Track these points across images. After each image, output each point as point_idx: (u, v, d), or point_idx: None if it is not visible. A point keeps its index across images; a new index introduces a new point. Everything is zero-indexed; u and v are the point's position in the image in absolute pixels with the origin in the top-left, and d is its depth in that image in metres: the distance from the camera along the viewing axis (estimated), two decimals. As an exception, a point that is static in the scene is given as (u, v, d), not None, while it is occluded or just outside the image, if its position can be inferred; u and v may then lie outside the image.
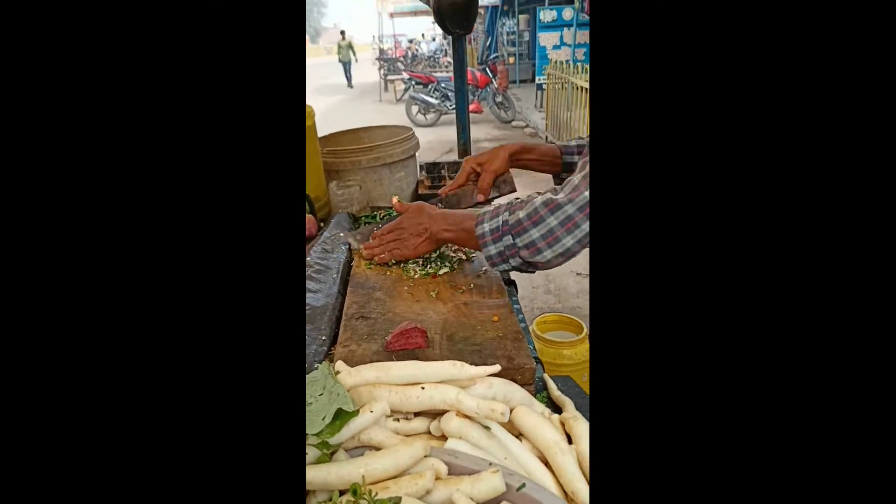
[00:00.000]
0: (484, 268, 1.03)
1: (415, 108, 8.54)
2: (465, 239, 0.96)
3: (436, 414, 0.62)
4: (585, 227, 0.78)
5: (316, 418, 0.50)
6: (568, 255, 0.82)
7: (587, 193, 0.76)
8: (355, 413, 0.53)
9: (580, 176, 0.78)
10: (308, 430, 0.49)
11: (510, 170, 1.19)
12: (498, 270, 0.93)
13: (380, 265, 1.05)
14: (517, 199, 0.90)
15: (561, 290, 3.17)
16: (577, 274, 3.26)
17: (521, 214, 0.83)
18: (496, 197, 1.18)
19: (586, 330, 2.03)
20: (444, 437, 0.59)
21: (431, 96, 8.47)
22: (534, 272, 0.90)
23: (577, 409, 0.73)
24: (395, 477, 0.50)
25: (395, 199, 1.14)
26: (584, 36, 8.77)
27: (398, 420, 0.60)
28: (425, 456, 0.52)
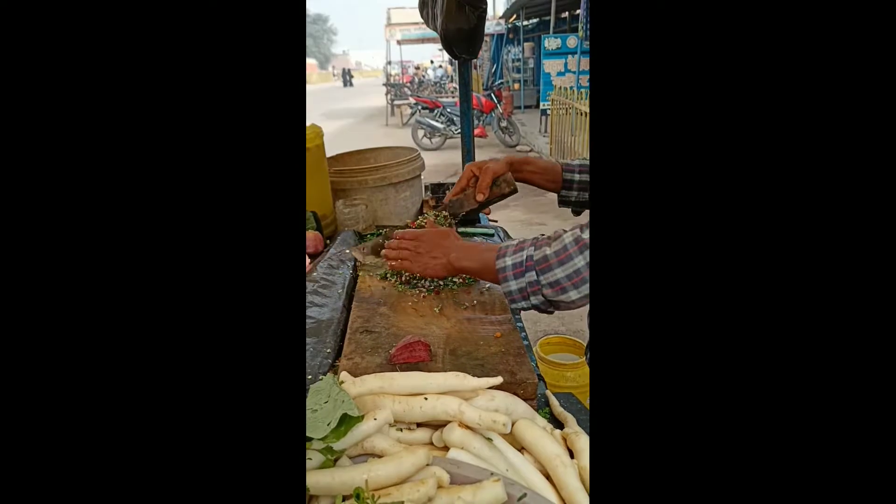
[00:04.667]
0: (488, 285, 1.04)
1: (420, 132, 8.66)
2: (483, 271, 0.92)
3: (438, 425, 0.62)
4: None
5: (321, 424, 0.51)
6: None
7: None
8: (360, 419, 0.54)
9: None
10: (313, 435, 0.50)
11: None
12: (517, 308, 0.88)
13: (385, 276, 1.05)
14: (542, 234, 0.87)
15: (566, 312, 3.16)
16: (581, 297, 3.24)
17: (549, 251, 0.79)
18: (496, 197, 1.17)
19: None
20: (446, 449, 0.60)
21: (437, 121, 8.60)
22: (552, 313, 0.86)
23: (579, 425, 0.73)
24: (397, 484, 0.50)
25: (430, 220, 1.13)
26: (587, 63, 8.92)
27: (401, 430, 0.61)
28: (428, 464, 0.53)
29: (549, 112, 7.51)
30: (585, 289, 0.77)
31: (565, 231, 0.81)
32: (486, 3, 1.70)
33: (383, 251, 1.05)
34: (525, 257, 0.82)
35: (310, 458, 0.51)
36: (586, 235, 0.77)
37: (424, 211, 1.62)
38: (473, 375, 0.67)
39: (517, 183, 1.17)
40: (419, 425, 0.63)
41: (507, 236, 1.49)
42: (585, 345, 1.96)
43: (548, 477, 0.60)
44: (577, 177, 1.19)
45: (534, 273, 0.81)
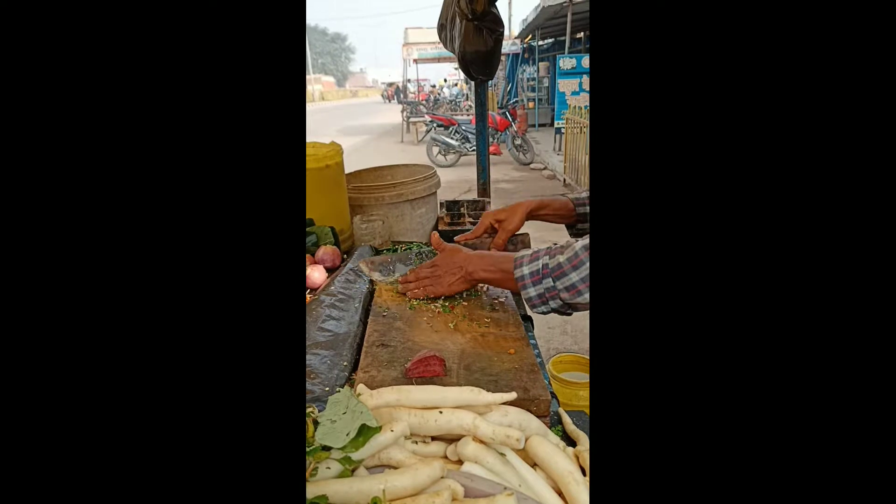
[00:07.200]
0: (500, 298, 1.06)
1: (435, 149, 8.75)
2: (502, 280, 1.00)
3: (452, 439, 0.63)
4: None
5: (340, 434, 0.52)
6: None
7: None
8: (377, 430, 0.55)
9: None
10: (333, 445, 0.52)
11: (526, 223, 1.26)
12: (537, 312, 0.97)
13: (412, 300, 1.08)
14: (555, 244, 0.95)
15: (577, 331, 3.15)
16: (594, 315, 3.23)
17: (562, 258, 0.88)
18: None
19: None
20: (460, 462, 0.61)
21: (452, 138, 8.70)
22: (571, 314, 0.94)
23: (592, 442, 0.74)
24: (413, 495, 0.51)
25: (435, 235, 1.17)
26: (602, 83, 8.95)
27: (416, 443, 0.62)
28: (442, 477, 0.54)
29: (563, 131, 7.56)
30: None
31: (576, 241, 0.89)
32: (503, 26, 1.73)
33: (402, 287, 1.11)
34: (541, 265, 0.91)
35: (328, 468, 0.53)
36: None
37: (440, 228, 1.64)
38: (487, 391, 0.68)
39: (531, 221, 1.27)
40: (434, 439, 0.64)
41: None
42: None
43: (560, 494, 0.61)
44: (588, 209, 1.24)
45: (550, 280, 0.89)
